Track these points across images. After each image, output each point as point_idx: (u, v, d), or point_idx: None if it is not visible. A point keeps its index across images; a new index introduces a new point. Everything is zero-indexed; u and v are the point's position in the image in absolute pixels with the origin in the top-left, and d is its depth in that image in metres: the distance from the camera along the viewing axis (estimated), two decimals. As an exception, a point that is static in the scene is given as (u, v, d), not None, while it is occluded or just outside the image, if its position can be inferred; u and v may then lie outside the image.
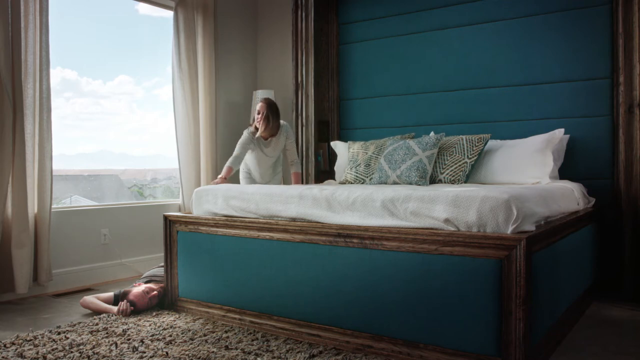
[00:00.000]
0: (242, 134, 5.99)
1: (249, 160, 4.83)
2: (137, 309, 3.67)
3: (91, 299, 3.76)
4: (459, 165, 4.06)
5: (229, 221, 3.45)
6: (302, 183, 4.97)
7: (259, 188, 3.49)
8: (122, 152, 5.51)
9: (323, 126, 5.53)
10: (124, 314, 3.60)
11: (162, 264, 4.06)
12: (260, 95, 5.58)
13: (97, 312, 3.71)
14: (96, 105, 5.40)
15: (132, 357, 2.83)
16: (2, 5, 3.86)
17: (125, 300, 3.66)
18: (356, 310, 2.93)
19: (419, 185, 3.94)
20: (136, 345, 3.01)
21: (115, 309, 3.65)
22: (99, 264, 4.73)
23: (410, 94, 5.09)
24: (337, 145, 5.19)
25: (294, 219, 3.27)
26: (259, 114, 4.55)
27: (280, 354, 2.88)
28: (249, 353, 2.90)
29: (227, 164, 4.48)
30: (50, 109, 4.18)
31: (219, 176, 4.36)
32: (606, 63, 4.18)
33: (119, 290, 3.83)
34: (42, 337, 3.15)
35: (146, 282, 3.92)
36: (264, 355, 2.87)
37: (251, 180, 4.90)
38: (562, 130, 4.13)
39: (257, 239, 3.31)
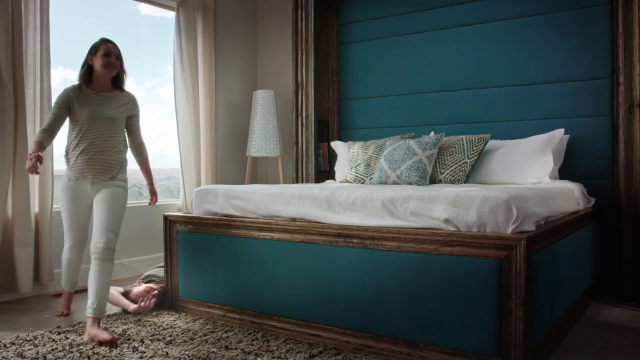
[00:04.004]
0: (242, 134, 6.01)
1: (73, 137, 3.46)
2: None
3: (111, 290, 3.73)
4: (459, 165, 4.06)
5: (229, 221, 3.45)
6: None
7: (260, 188, 3.49)
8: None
9: (323, 126, 5.54)
10: (146, 309, 3.60)
11: (162, 264, 4.06)
12: (260, 95, 5.58)
13: (114, 304, 3.71)
14: (96, 105, 5.40)
15: (132, 357, 2.84)
16: (3, 6, 3.86)
17: (150, 295, 3.66)
18: (356, 310, 2.94)
19: (419, 185, 3.94)
20: (136, 345, 3.02)
21: (133, 306, 3.63)
22: (99, 264, 4.73)
23: (410, 94, 5.09)
24: (337, 145, 5.19)
25: (294, 219, 3.27)
26: (107, 55, 3.41)
27: (280, 354, 2.88)
28: (249, 353, 2.90)
29: (36, 138, 3.30)
30: (51, 108, 4.18)
31: (30, 154, 3.15)
32: (606, 63, 4.18)
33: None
34: (42, 337, 3.15)
35: (146, 283, 3.92)
36: (264, 355, 2.87)
37: (71, 184, 3.47)
38: (562, 130, 4.13)
39: (257, 239, 3.32)
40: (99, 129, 3.43)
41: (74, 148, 3.43)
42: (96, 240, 3.26)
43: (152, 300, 3.64)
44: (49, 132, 3.35)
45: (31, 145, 3.29)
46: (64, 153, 3.48)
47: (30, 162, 3.09)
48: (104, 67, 3.41)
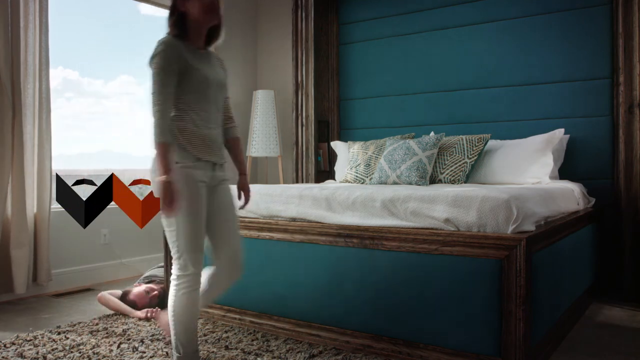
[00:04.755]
0: (242, 134, 5.98)
1: (184, 106, 2.44)
2: (138, 308, 3.65)
3: (110, 297, 3.70)
4: (459, 165, 4.06)
5: (229, 221, 3.44)
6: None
7: (259, 188, 3.48)
8: (123, 152, 5.51)
9: (323, 126, 5.53)
10: (149, 319, 3.54)
11: (162, 264, 4.05)
12: (260, 95, 5.57)
13: (115, 311, 3.68)
14: (97, 105, 5.41)
15: (132, 357, 2.83)
16: (2, 5, 3.85)
17: (156, 309, 3.62)
18: (356, 310, 2.93)
19: (419, 185, 3.94)
20: (136, 345, 3.02)
21: (136, 313, 3.59)
22: (99, 264, 4.73)
23: (410, 94, 5.09)
24: (337, 145, 5.19)
25: (294, 219, 3.27)
26: None
27: (280, 354, 2.88)
28: (249, 353, 2.90)
29: (160, 137, 2.30)
30: (50, 109, 4.18)
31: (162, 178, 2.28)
32: (606, 63, 4.18)
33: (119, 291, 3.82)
34: (42, 337, 3.15)
35: (146, 283, 3.91)
36: (264, 355, 2.87)
37: (191, 171, 2.41)
38: (562, 130, 4.13)
39: (257, 239, 3.31)
40: (213, 96, 2.52)
41: (189, 121, 2.43)
42: (231, 255, 2.59)
43: (157, 310, 3.60)
44: (168, 119, 2.36)
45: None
46: (171, 128, 2.39)
47: (172, 205, 2.28)
48: (206, 12, 2.47)
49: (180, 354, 2.41)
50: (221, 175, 2.58)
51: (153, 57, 2.37)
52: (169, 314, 2.43)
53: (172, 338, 2.43)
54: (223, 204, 2.58)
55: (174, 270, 2.43)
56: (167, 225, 2.42)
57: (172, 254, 2.44)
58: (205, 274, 2.54)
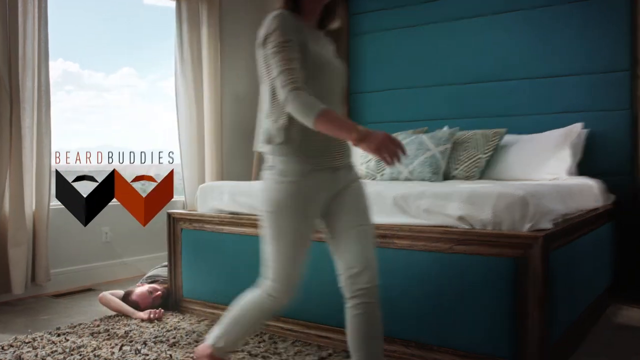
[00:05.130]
0: (249, 128, 5.90)
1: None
2: (141, 309, 3.58)
3: (112, 297, 3.63)
4: (474, 161, 4.00)
5: (235, 219, 3.37)
6: None
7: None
8: (125, 146, 5.45)
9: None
10: (152, 320, 3.47)
11: (166, 263, 3.98)
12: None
13: (116, 312, 3.60)
14: (98, 99, 5.37)
15: (133, 361, 2.77)
16: (1, -3, 3.80)
17: (160, 310, 3.54)
18: (366, 311, 2.85)
19: (432, 181, 3.87)
20: (139, 347, 2.96)
21: (139, 314, 3.51)
22: (99, 263, 4.67)
23: (423, 87, 4.98)
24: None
25: (301, 216, 3.18)
26: None
27: (288, 356, 2.83)
28: (256, 355, 2.84)
29: (314, 114, 1.92)
30: (49, 102, 4.11)
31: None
32: (626, 55, 4.06)
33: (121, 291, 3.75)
34: (42, 339, 3.10)
35: (149, 283, 3.84)
36: (271, 357, 2.82)
37: (302, 184, 2.09)
38: (581, 124, 4.05)
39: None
40: (331, 85, 2.18)
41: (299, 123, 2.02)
42: (359, 270, 2.19)
43: (160, 311, 3.53)
44: (307, 92, 1.98)
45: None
46: (272, 130, 2.10)
47: (394, 151, 1.91)
48: None
49: (214, 344, 2.25)
50: (347, 177, 2.19)
51: (269, 35, 1.99)
52: (234, 308, 2.27)
53: (220, 328, 2.26)
54: (350, 208, 2.20)
55: (266, 282, 2.25)
56: (265, 239, 2.18)
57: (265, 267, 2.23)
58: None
